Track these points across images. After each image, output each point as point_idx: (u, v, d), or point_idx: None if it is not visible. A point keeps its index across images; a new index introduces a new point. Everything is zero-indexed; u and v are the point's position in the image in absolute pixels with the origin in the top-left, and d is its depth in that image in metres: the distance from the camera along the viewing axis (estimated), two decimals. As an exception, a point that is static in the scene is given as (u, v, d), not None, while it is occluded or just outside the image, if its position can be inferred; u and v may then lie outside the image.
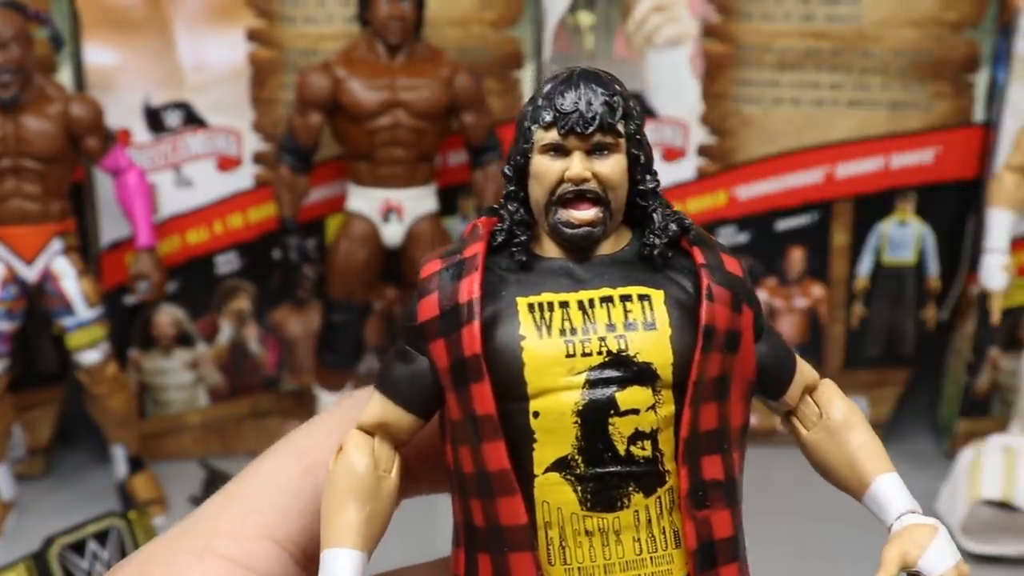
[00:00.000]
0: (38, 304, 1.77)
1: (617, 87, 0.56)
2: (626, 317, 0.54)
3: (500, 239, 0.57)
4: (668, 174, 1.95)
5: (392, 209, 1.80)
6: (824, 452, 0.60)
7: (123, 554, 1.62)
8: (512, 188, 0.58)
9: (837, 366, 2.08)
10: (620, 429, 0.53)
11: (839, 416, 0.60)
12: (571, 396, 0.53)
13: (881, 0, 1.89)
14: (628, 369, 0.53)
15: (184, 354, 2.00)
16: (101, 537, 1.60)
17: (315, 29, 1.87)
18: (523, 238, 0.57)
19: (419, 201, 1.82)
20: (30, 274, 1.72)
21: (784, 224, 2.01)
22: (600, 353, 0.53)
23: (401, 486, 0.61)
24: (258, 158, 1.91)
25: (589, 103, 0.55)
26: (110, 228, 1.89)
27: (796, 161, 1.97)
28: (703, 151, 1.97)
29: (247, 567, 0.58)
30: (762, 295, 2.01)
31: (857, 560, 0.56)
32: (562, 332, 0.54)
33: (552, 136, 0.55)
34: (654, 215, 0.57)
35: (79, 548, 1.57)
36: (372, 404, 0.58)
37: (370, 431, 0.58)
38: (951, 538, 0.56)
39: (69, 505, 1.84)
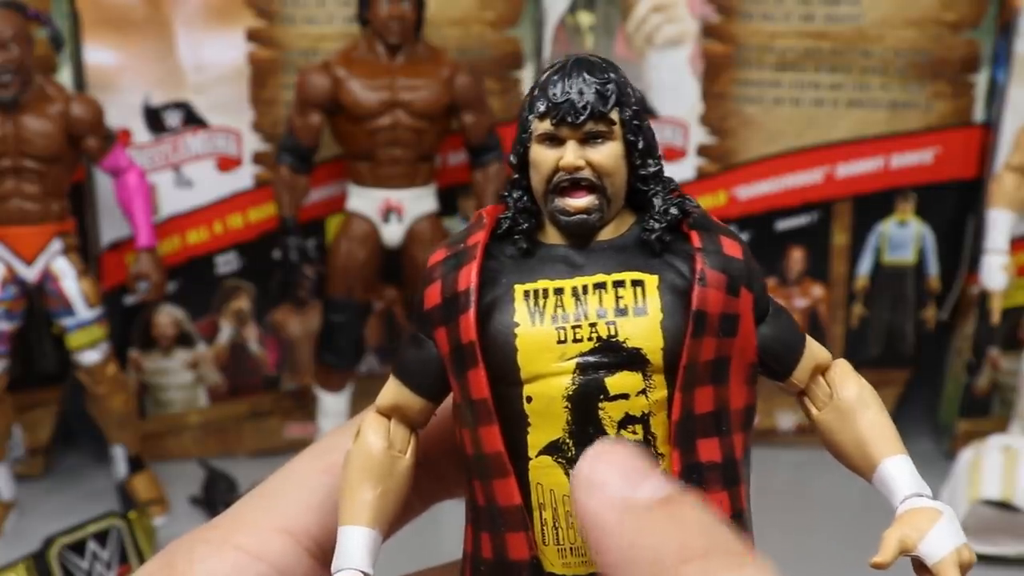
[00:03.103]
0: (38, 304, 1.77)
1: (611, 74, 0.57)
2: (617, 303, 0.54)
3: (505, 226, 0.58)
4: (668, 174, 1.95)
5: (392, 209, 1.80)
6: (834, 433, 0.59)
7: (123, 554, 1.62)
8: (516, 176, 0.58)
9: (837, 366, 2.08)
10: (610, 414, 0.54)
11: (849, 396, 0.59)
12: (562, 381, 0.54)
13: (881, 0, 1.89)
14: (618, 355, 0.54)
15: (184, 354, 2.00)
16: (101, 537, 1.60)
17: (315, 29, 1.87)
18: (525, 226, 0.57)
19: (419, 201, 1.82)
20: (30, 274, 1.72)
21: (784, 224, 2.01)
22: (591, 339, 0.54)
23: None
24: (258, 158, 1.91)
25: (581, 92, 0.56)
26: (110, 228, 1.89)
27: (796, 161, 1.97)
28: (703, 151, 1.97)
29: (261, 558, 0.60)
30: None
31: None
32: (554, 319, 0.54)
33: (546, 126, 0.56)
34: (654, 200, 0.57)
35: (79, 548, 1.58)
36: (388, 388, 0.59)
37: (386, 414, 0.59)
38: (955, 522, 0.55)
39: (69, 505, 1.84)
